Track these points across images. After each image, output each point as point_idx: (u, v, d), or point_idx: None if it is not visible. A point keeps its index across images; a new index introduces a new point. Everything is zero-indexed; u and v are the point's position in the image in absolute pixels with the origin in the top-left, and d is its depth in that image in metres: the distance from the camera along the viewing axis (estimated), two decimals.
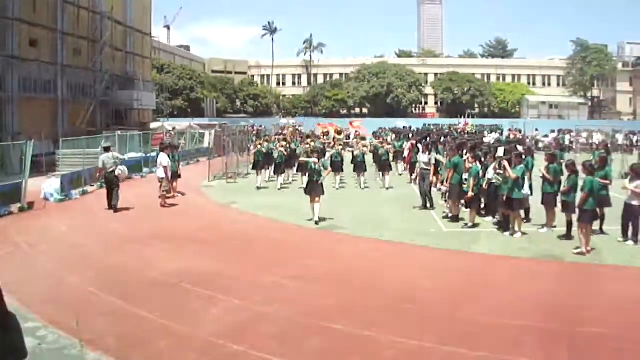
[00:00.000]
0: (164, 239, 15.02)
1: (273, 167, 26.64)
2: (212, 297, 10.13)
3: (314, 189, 16.90)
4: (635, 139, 49.26)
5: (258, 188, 24.67)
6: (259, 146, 26.08)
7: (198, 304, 9.82)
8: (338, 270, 11.99)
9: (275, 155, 25.71)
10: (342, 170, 25.91)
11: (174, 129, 45.15)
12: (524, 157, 16.16)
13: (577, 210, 13.73)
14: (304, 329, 8.66)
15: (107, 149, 20.94)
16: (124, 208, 19.59)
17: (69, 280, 11.33)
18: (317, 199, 16.86)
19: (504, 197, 15.09)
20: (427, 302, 9.87)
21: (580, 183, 13.95)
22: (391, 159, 27.83)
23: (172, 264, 12.37)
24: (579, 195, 13.80)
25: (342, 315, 9.17)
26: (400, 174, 28.97)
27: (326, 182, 18.66)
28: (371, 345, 8.18)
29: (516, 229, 15.25)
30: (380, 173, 26.05)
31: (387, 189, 24.28)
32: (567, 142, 45.71)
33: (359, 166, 25.51)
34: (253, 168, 26.66)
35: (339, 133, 35.72)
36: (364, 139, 31.23)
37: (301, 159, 17.70)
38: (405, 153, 28.15)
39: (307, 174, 17.75)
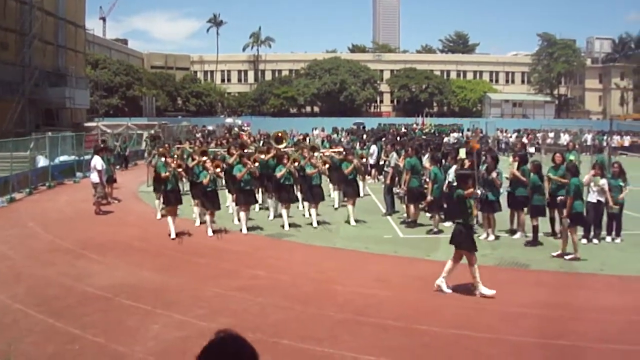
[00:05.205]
0: (99, 249, 14.79)
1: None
2: (152, 312, 10.03)
3: None
4: (605, 138, 48.50)
5: (175, 237, 16.23)
6: (173, 165, 16.98)
7: (136, 319, 9.69)
8: (287, 281, 11.99)
9: (204, 179, 16.92)
10: (297, 199, 19.42)
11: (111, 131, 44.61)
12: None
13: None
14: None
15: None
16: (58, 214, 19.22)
17: None
18: None
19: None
20: (383, 314, 9.92)
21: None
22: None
23: (107, 277, 12.20)
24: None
25: (293, 330, 9.18)
26: (367, 194, 23.52)
27: (260, 217, 18.88)
28: None
29: (489, 231, 15.65)
30: (340, 192, 20.47)
31: (354, 222, 18.05)
32: (535, 143, 46.46)
33: (313, 192, 18.11)
34: (167, 203, 17.33)
35: (279, 141, 20.71)
36: (314, 148, 20.33)
37: None
38: (373, 160, 26.95)
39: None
